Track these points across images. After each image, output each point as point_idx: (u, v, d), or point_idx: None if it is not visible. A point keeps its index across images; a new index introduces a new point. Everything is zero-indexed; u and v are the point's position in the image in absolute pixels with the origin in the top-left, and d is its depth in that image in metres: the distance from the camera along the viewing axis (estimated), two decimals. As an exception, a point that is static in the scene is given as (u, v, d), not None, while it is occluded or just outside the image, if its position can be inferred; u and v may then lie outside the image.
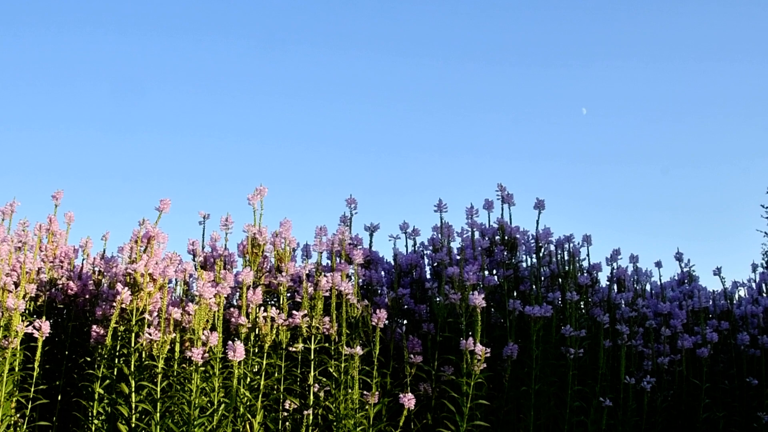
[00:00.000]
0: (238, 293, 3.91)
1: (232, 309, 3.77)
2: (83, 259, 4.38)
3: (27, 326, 3.43)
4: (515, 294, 4.29)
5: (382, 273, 4.25)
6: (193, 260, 4.03)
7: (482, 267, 4.13)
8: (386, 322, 3.75)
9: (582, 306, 4.46)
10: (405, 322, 4.23)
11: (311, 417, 3.66)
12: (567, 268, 4.39)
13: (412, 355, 3.86)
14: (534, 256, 4.41)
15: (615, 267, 4.69)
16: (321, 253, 4.02)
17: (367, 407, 3.65)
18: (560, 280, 4.40)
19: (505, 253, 4.34)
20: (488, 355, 3.62)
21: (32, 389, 3.54)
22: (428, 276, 4.37)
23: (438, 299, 4.01)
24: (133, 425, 3.48)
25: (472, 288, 3.92)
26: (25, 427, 3.55)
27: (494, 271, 4.34)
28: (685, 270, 5.14)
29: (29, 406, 3.56)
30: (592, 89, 10.07)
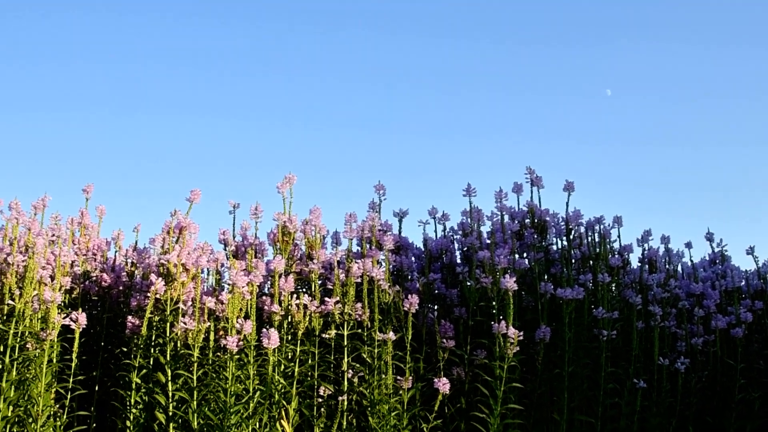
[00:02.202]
0: (268, 281, 3.93)
1: (264, 297, 3.80)
2: (116, 251, 4.43)
3: (64, 318, 3.47)
4: (546, 277, 4.27)
5: (412, 258, 4.25)
6: (225, 249, 4.06)
7: (512, 250, 4.12)
8: (418, 307, 3.76)
9: (613, 288, 4.43)
10: (436, 307, 4.23)
11: (346, 403, 3.68)
12: (598, 249, 4.36)
13: (444, 340, 3.86)
14: (564, 238, 4.39)
15: (646, 248, 4.66)
16: (351, 239, 4.03)
17: (401, 392, 3.67)
18: (591, 262, 4.38)
19: (535, 236, 4.32)
20: (521, 338, 3.62)
21: (71, 380, 3.59)
22: (458, 261, 4.37)
23: (469, 283, 4.01)
24: (170, 413, 3.52)
25: (503, 272, 3.92)
26: (65, 417, 3.60)
27: (524, 255, 4.33)
28: (716, 250, 5.09)
29: (68, 397, 3.61)
30: (616, 70, 9.96)
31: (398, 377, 3.67)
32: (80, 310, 3.55)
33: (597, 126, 10.33)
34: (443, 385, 3.58)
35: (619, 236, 4.54)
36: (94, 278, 4.21)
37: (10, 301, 3.43)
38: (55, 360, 3.60)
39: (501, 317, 3.72)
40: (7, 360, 3.39)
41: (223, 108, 10.20)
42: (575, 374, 3.95)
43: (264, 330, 3.41)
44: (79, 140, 9.87)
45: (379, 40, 10.29)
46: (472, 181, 4.32)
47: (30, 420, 3.44)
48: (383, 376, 3.65)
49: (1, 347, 3.55)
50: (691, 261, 4.93)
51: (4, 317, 3.57)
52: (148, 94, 10.14)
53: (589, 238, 4.42)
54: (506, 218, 4.32)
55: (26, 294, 3.37)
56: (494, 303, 3.87)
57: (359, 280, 3.77)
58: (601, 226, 4.40)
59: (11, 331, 3.40)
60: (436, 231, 4.44)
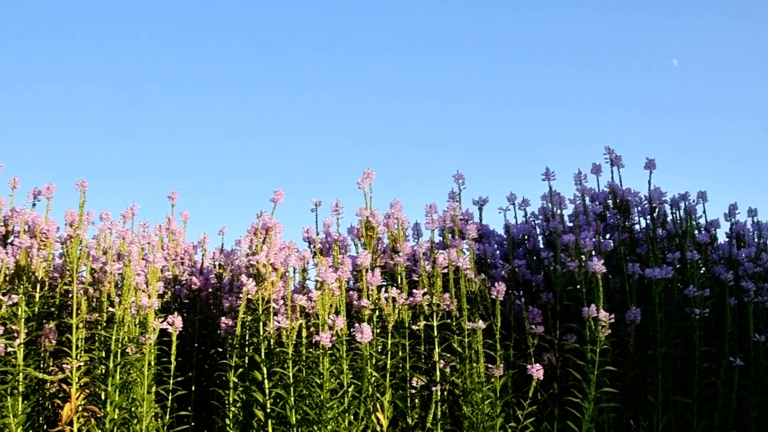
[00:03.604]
0: (353, 276, 3.97)
1: (350, 292, 3.84)
2: (202, 255, 4.53)
3: (161, 322, 3.57)
4: (632, 257, 4.21)
5: (495, 246, 4.24)
6: (309, 247, 4.11)
7: (597, 232, 4.07)
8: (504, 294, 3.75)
9: (701, 265, 4.34)
10: (521, 293, 4.21)
11: (439, 393, 3.70)
12: (684, 226, 4.28)
13: (533, 326, 3.85)
14: (648, 217, 4.32)
15: (733, 222, 4.54)
16: (433, 230, 4.05)
17: (492, 380, 3.67)
18: (677, 239, 4.30)
19: (618, 217, 4.26)
20: (612, 321, 3.58)
21: (171, 381, 3.69)
22: (541, 246, 4.34)
23: (555, 268, 3.98)
24: (268, 410, 3.60)
25: (589, 255, 3.88)
26: (167, 417, 3.71)
27: (608, 236, 4.27)
28: (807, 220, 4.93)
29: (170, 398, 3.72)
30: (683, 41, 9.69)
31: (489, 365, 3.67)
32: (175, 313, 3.64)
33: (662, 98, 10.08)
34: (536, 371, 3.56)
35: (704, 212, 4.44)
36: (184, 282, 4.32)
37: (111, 308, 3.54)
38: (152, 363, 3.71)
39: (590, 300, 3.69)
40: (111, 365, 3.51)
41: (284, 111, 10.31)
42: (668, 355, 3.89)
43: (356, 325, 3.45)
44: (154, 144, 10.10)
45: (452, 10, 10.21)
46: (541, 161, 4.31)
47: (135, 421, 3.55)
48: (474, 364, 3.66)
49: (104, 353, 3.68)
50: (782, 233, 4.79)
51: (105, 324, 3.70)
52: (220, 97, 10.31)
53: (675, 215, 4.34)
54: (587, 200, 4.28)
55: (125, 301, 3.48)
56: (582, 287, 3.83)
57: (445, 270, 3.78)
58: (686, 203, 4.31)
59: (113, 337, 3.52)
60: (516, 217, 4.43)
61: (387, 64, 10.29)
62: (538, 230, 4.37)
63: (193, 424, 4.10)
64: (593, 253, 3.94)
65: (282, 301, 3.68)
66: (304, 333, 3.58)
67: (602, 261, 3.67)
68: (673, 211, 4.35)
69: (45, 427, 3.93)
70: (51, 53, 10.08)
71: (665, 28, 9.88)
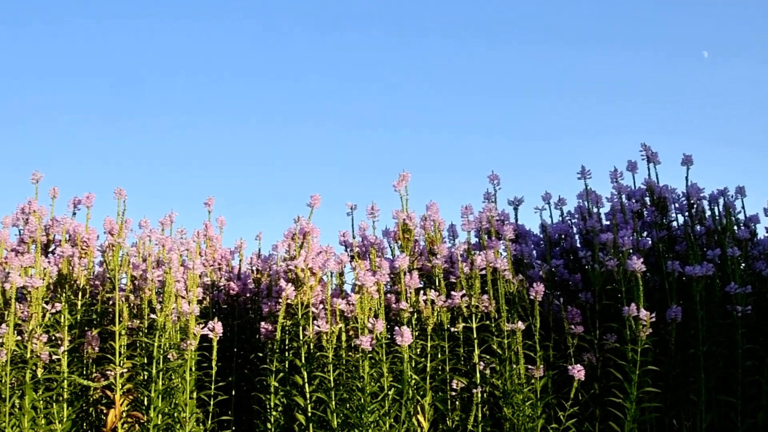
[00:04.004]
0: (390, 279, 3.97)
1: (388, 295, 3.85)
2: (239, 260, 4.57)
3: (202, 328, 3.61)
4: (671, 255, 4.17)
5: (531, 246, 4.23)
6: (346, 251, 4.13)
7: (634, 230, 4.04)
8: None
9: (742, 261, 4.28)
10: (558, 293, 4.19)
11: (479, 395, 3.69)
12: (723, 222, 4.23)
13: (572, 326, 3.82)
14: (686, 214, 4.28)
15: (774, 217, 4.48)
16: (469, 231, 4.04)
17: (533, 381, 3.65)
18: (716, 236, 4.25)
19: (656, 214, 4.23)
20: (653, 319, 3.55)
21: (212, 386, 3.72)
22: (578, 245, 4.31)
23: (593, 267, 3.95)
24: (309, 414, 3.62)
25: (627, 253, 3.85)
26: (209, 422, 3.74)
27: (645, 234, 4.24)
28: None
29: (211, 403, 3.75)
30: (713, 31, 9.57)
31: (529, 366, 3.66)
32: (215, 319, 3.67)
33: (693, 90, 9.96)
34: (578, 371, 3.55)
35: (743, 207, 4.39)
36: (222, 287, 4.35)
37: (152, 315, 3.58)
38: (193, 368, 3.75)
39: (630, 299, 3.66)
40: (153, 371, 3.55)
41: (322, 110, 10.35)
42: (710, 353, 3.84)
43: (396, 328, 3.46)
44: (192, 149, 10.19)
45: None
46: (573, 158, 4.27)
47: (178, 426, 3.59)
48: (514, 366, 3.65)
49: (146, 359, 3.73)
50: (823, 227, 4.71)
51: (146, 330, 3.74)
52: (255, 99, 10.37)
53: (713, 211, 4.29)
54: (624, 198, 4.25)
55: (166, 308, 3.52)
56: (621, 285, 3.81)
57: (483, 272, 3.77)
58: (725, 198, 4.26)
59: (155, 344, 3.56)
60: (551, 216, 4.41)
61: (415, 59, 10.29)
62: (574, 229, 4.35)
63: (233, 428, 4.13)
64: (631, 251, 3.91)
65: (321, 306, 3.70)
66: (343, 337, 3.59)
67: (641, 259, 3.64)
68: (712, 207, 4.30)
69: (90, 432, 3.99)
70: (95, 63, 10.21)
71: (694, 18, 9.77)
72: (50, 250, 4.24)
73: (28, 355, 3.54)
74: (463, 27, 10.20)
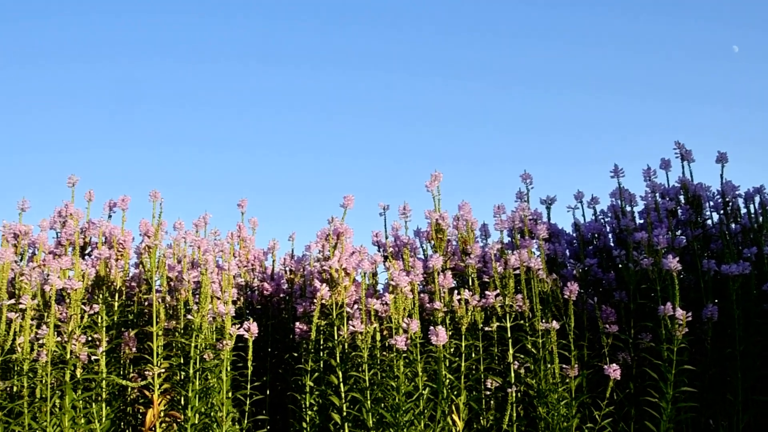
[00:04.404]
0: (423, 279, 3.98)
1: (421, 295, 3.86)
2: (272, 261, 4.60)
3: (238, 329, 3.64)
4: (706, 253, 4.14)
5: (564, 245, 4.21)
6: (379, 251, 4.14)
7: (669, 228, 4.01)
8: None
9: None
10: (591, 292, 4.17)
11: (514, 394, 3.69)
12: (759, 220, 4.18)
13: (607, 325, 3.81)
14: (721, 212, 4.24)
15: (811, 214, 4.43)
16: (502, 231, 4.04)
17: (567, 381, 3.64)
18: (752, 234, 4.21)
19: (690, 212, 4.20)
20: (689, 318, 3.53)
21: (248, 386, 3.75)
22: (611, 244, 4.29)
23: (628, 266, 3.93)
24: (344, 413, 3.64)
25: (662, 252, 3.82)
26: (245, 421, 3.77)
27: (679, 232, 4.21)
28: None
29: (247, 402, 3.78)
30: (742, 27, 9.47)
31: (564, 365, 3.65)
32: (251, 319, 3.70)
33: (722, 87, 9.87)
34: (613, 371, 3.53)
35: (779, 205, 4.34)
36: (256, 288, 4.39)
37: (188, 316, 3.62)
38: (228, 368, 3.78)
39: (665, 298, 3.64)
40: (191, 371, 3.59)
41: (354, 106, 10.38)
42: (747, 353, 3.80)
43: (431, 328, 3.47)
44: (224, 152, 10.28)
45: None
46: (606, 156, 4.25)
47: (214, 425, 3.62)
48: (549, 365, 3.64)
49: (182, 359, 3.77)
50: None
51: (182, 331, 3.78)
52: (287, 96, 10.43)
53: (748, 209, 4.25)
54: (657, 196, 4.22)
55: (203, 308, 3.55)
56: (656, 284, 3.78)
57: (516, 271, 3.77)
58: (761, 196, 4.22)
59: (192, 344, 3.59)
60: (584, 215, 4.39)
61: (449, 54, 10.28)
62: (608, 228, 4.33)
63: (268, 428, 4.16)
64: (666, 250, 3.89)
65: (355, 306, 3.72)
66: (377, 336, 3.60)
67: (677, 258, 3.62)
68: (747, 204, 4.25)
69: (127, 431, 4.04)
70: (125, 67, 10.33)
71: (724, 14, 9.67)
72: (86, 252, 4.30)
73: (68, 356, 3.60)
74: (499, 23, 10.18)
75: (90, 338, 3.86)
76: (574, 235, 4.32)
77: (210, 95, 10.39)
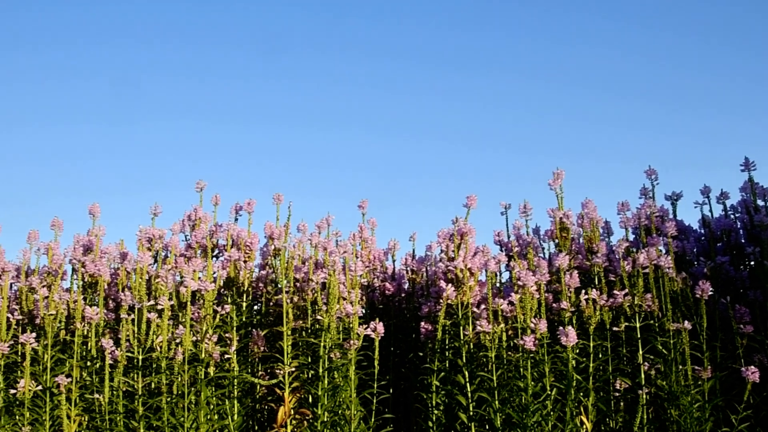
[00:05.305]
0: (547, 278, 3.94)
1: (546, 294, 3.82)
2: (393, 261, 4.65)
3: (365, 329, 3.70)
4: None
5: (693, 242, 4.09)
6: (501, 250, 4.13)
7: (807, 224, 3.84)
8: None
9: None
10: (722, 291, 4.03)
11: (644, 396, 3.61)
12: None
13: (741, 326, 3.68)
14: None
15: None
16: (627, 228, 3.96)
17: (700, 382, 3.54)
18: None
19: (829, 207, 4.01)
20: (833, 318, 3.37)
21: (375, 385, 3.81)
22: (743, 240, 4.14)
23: (762, 263, 3.78)
24: (470, 413, 3.65)
25: (800, 249, 3.67)
26: (372, 420, 3.83)
27: (817, 228, 4.02)
28: None
29: (374, 401, 3.84)
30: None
31: (696, 367, 3.55)
32: (377, 319, 3.76)
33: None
34: (752, 373, 3.41)
35: None
36: (377, 287, 4.45)
37: (317, 316, 3.71)
38: (354, 367, 3.85)
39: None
40: (320, 370, 3.68)
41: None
42: None
43: (561, 328, 3.44)
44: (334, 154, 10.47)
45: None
46: (735, 151, 4.10)
47: (343, 422, 3.70)
48: (681, 366, 3.54)
49: (309, 358, 3.86)
50: None
51: (309, 330, 3.88)
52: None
53: None
54: (792, 190, 4.05)
55: (331, 309, 3.63)
56: (794, 283, 3.63)
57: (645, 270, 3.69)
58: None
59: (321, 344, 3.68)
60: (711, 211, 4.24)
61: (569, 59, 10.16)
62: (738, 224, 4.18)
63: (391, 426, 4.21)
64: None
65: (482, 306, 3.72)
66: (504, 336, 3.60)
67: (818, 255, 3.46)
68: None
69: (256, 428, 4.17)
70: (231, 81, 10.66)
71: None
72: (215, 254, 4.46)
73: (202, 355, 3.75)
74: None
75: (221, 337, 4.00)
76: (702, 232, 4.19)
77: (321, 107, 10.59)
